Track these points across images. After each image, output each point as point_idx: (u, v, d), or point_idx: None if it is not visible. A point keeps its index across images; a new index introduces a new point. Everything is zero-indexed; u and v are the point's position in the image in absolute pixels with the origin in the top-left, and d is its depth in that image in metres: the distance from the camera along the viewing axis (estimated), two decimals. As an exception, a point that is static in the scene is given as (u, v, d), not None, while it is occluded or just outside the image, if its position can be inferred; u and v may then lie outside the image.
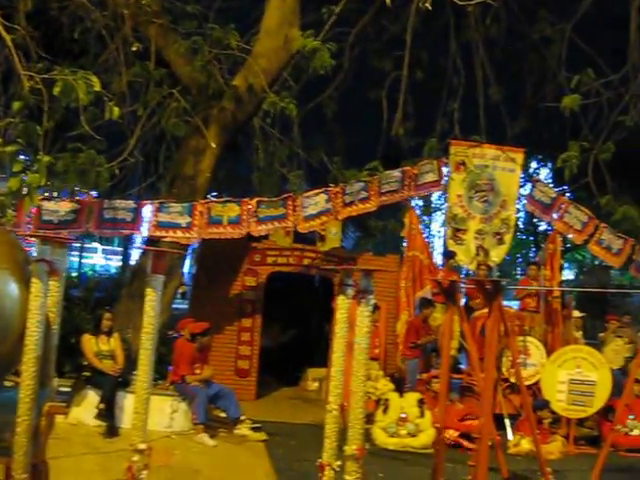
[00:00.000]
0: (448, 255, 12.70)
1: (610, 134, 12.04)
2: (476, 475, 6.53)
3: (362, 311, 6.14)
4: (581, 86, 11.60)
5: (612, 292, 21.86)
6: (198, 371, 9.93)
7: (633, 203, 12.71)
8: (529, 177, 16.69)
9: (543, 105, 13.30)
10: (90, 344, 9.61)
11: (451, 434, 9.63)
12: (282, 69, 11.91)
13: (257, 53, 11.52)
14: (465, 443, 9.58)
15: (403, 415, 10.23)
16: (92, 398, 9.41)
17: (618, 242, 11.97)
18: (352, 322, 6.23)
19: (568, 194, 22.66)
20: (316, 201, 10.44)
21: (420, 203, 28.10)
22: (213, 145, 11.08)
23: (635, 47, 11.79)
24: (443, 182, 12.36)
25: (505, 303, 15.34)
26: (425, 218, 29.15)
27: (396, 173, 11.49)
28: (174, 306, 12.85)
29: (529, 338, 11.47)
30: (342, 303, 6.23)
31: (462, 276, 13.86)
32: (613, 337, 13.57)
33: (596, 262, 25.93)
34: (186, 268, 17.06)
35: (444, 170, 12.36)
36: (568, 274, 30.06)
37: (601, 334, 13.87)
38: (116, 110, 8.84)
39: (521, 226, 27.83)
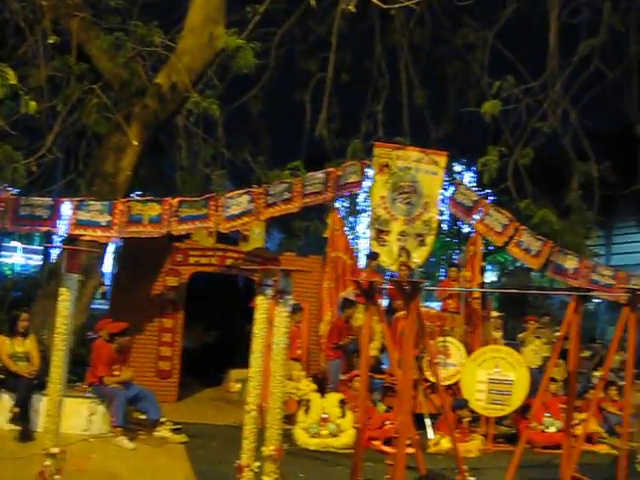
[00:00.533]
0: (371, 256, 12.79)
1: (529, 140, 12.31)
2: (394, 474, 6.58)
3: (280, 311, 6.13)
4: (502, 92, 11.83)
5: (530, 293, 22.35)
6: (117, 372, 9.73)
7: (551, 207, 13.01)
8: (453, 180, 16.92)
9: (466, 110, 13.51)
10: (4, 346, 9.36)
11: (376, 444, 9.70)
12: (206, 67, 11.80)
13: (181, 51, 11.39)
14: (388, 449, 9.63)
15: (324, 415, 10.25)
16: (6, 402, 9.15)
17: (537, 244, 12.19)
18: (272, 322, 6.22)
19: (491, 198, 23.17)
20: (238, 201, 10.35)
21: (346, 205, 28.39)
22: (135, 143, 10.91)
23: (554, 55, 12.07)
24: (365, 183, 12.44)
25: (428, 304, 15.69)
26: (351, 220, 29.40)
27: (320, 175, 11.49)
28: (94, 306, 12.62)
29: (449, 338, 11.61)
30: (261, 303, 6.21)
31: (386, 277, 14.01)
32: (532, 338, 13.86)
33: (517, 264, 26.50)
34: (107, 267, 16.75)
35: (368, 172, 12.43)
36: (490, 276, 30.63)
37: (520, 335, 14.15)
38: (33, 104, 8.64)
39: (445, 228, 28.22)
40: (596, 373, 13.72)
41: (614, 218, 29.34)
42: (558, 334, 9.16)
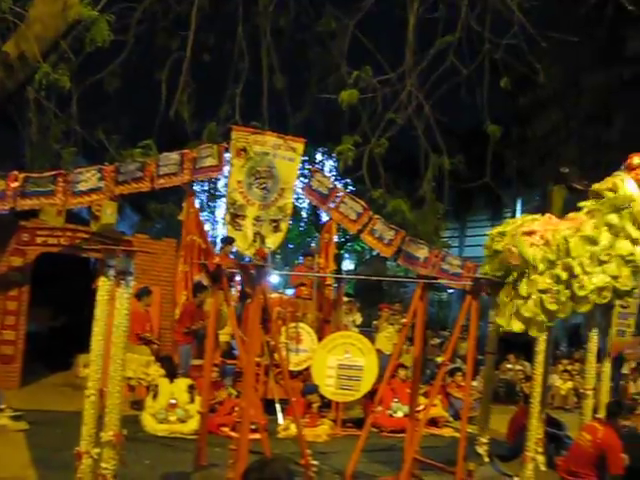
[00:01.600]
0: (226, 241, 12.68)
1: (385, 130, 12.48)
2: (237, 458, 6.52)
3: (121, 293, 5.95)
4: (360, 81, 11.93)
5: (378, 280, 22.86)
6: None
7: (406, 197, 13.28)
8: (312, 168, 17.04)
9: (324, 97, 13.54)
10: None
11: (225, 431, 9.61)
12: (59, 38, 11.23)
13: (32, 18, 10.80)
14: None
15: (173, 401, 10.10)
16: None
17: (390, 233, 12.46)
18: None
19: (351, 187, 23.50)
20: (87, 178, 10.00)
21: (207, 189, 28.13)
22: (-22, 113, 10.33)
23: (411, 48, 12.28)
24: (224, 167, 12.30)
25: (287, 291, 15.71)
26: (211, 204, 29.16)
27: (174, 155, 11.27)
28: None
29: (301, 325, 11.68)
30: (103, 285, 6.01)
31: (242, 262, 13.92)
32: (386, 325, 14.18)
33: (374, 253, 27.04)
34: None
35: (226, 156, 12.29)
36: (348, 264, 31.15)
37: (375, 322, 14.43)
38: None
39: (304, 216, 28.45)
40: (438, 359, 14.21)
41: (468, 211, 30.46)
42: (404, 321, 9.37)
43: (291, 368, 11.29)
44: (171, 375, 10.61)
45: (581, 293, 8.20)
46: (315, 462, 7.23)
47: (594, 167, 10.30)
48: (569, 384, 15.71)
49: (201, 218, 13.95)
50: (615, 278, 8.28)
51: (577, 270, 8.19)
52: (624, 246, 8.28)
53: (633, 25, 14.54)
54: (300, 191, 14.28)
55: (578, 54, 20.43)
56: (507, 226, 8.49)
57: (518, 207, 28.66)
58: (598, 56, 20.49)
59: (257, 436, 7.39)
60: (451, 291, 29.01)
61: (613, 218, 8.34)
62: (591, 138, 21.13)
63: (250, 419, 6.77)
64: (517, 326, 7.98)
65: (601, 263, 8.23)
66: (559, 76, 20.07)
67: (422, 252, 12.51)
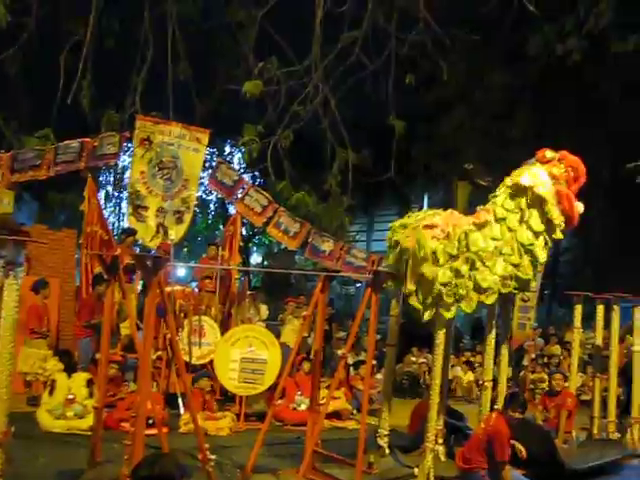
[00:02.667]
0: (127, 232, 12.40)
1: (291, 122, 12.44)
2: (132, 453, 6.38)
3: (10, 284, 5.71)
4: (266, 73, 11.85)
5: (278, 272, 22.84)
6: None
7: (312, 190, 13.29)
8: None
9: (231, 88, 13.40)
10: None
11: (125, 426, 9.39)
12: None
13: None
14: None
15: (70, 396, 9.81)
16: None
17: (295, 226, 12.45)
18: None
19: (260, 180, 23.39)
20: (-20, 165, 9.61)
21: (111, 179, 27.56)
22: None
23: (317, 41, 12.26)
24: (122, 155, 12.04)
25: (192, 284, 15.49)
26: (116, 195, 28.57)
27: (74, 144, 10.93)
28: None
29: (204, 318, 11.51)
30: (-8, 276, 5.75)
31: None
32: (291, 317, 14.16)
33: (282, 247, 27.00)
34: None
35: (129, 145, 12.03)
36: (256, 258, 31.03)
37: (281, 315, 14.38)
38: None
39: (212, 208, 28.22)
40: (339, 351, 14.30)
41: (376, 206, 30.78)
42: (304, 313, 9.35)
43: (194, 362, 11.16)
44: (70, 370, 10.32)
45: (485, 284, 8.39)
46: (213, 456, 7.10)
47: (498, 163, 10.51)
48: (471, 376, 16.04)
49: (102, 208, 13.58)
50: (516, 266, 8.53)
51: (478, 264, 8.39)
52: (526, 236, 8.54)
53: (534, 26, 14.90)
54: (205, 182, 14.04)
55: (483, 53, 20.91)
56: (409, 219, 8.60)
57: (425, 202, 29.13)
58: (502, 55, 21.00)
59: (155, 431, 7.26)
60: (359, 285, 29.28)
61: (519, 205, 8.60)
62: (495, 135, 21.64)
63: (147, 413, 6.62)
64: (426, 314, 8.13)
65: (502, 254, 8.46)
66: (464, 74, 20.48)
67: (327, 245, 12.55)
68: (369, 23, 12.71)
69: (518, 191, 8.62)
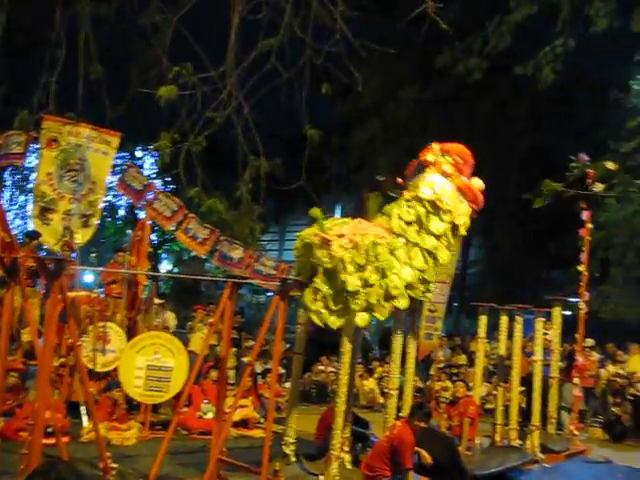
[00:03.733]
0: (31, 235, 12.05)
1: (204, 128, 12.31)
2: (28, 462, 6.20)
3: None
4: (180, 78, 11.69)
5: (185, 278, 22.66)
6: None
7: (224, 198, 13.19)
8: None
9: (144, 92, 13.18)
10: None
11: (24, 435, 9.08)
12: None
13: None
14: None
15: (-33, 405, 9.44)
16: None
17: (204, 232, 12.36)
18: None
19: (173, 186, 23.11)
20: None
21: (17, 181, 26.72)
22: None
23: (233, 48, 12.18)
24: (27, 156, 11.69)
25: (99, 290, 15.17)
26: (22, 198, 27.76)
27: (-22, 142, 10.58)
28: None
29: (110, 324, 11.28)
30: None
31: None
32: (200, 325, 14.05)
33: (192, 254, 26.72)
34: None
35: (36, 146, 11.70)
36: (166, 265, 30.62)
37: (190, 323, 14.24)
38: None
39: (122, 213, 27.77)
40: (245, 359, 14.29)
41: (288, 215, 30.88)
42: (211, 321, 9.30)
43: (98, 369, 10.93)
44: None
45: (395, 292, 8.53)
46: (115, 465, 6.96)
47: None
48: (372, 383, 16.25)
49: (6, 210, 13.14)
50: (422, 271, 8.73)
51: (387, 272, 8.53)
52: (428, 241, 8.76)
53: (445, 42, 15.24)
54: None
55: (397, 67, 21.26)
56: (317, 229, 8.66)
57: (337, 212, 29.34)
58: (415, 70, 21.41)
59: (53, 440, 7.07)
60: (270, 294, 29.22)
61: (417, 215, 8.82)
62: (406, 148, 21.99)
63: (46, 422, 6.43)
64: (336, 322, 8.18)
65: (408, 262, 8.64)
66: (379, 87, 20.77)
67: (237, 252, 12.49)
68: (286, 32, 12.71)
69: (417, 202, 8.87)
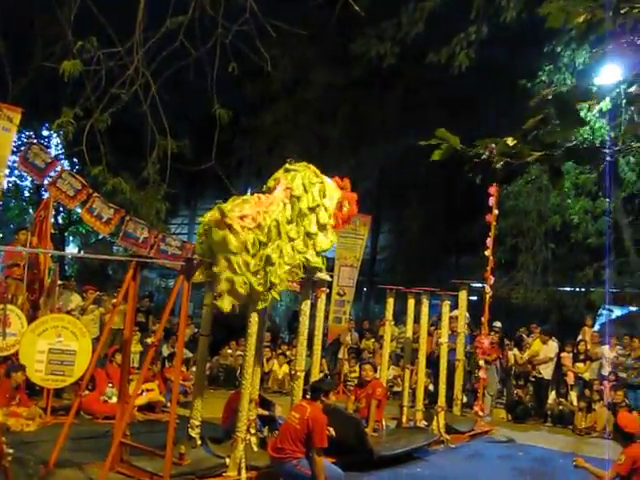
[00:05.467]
0: None
1: (110, 105, 11.99)
2: None
3: None
4: (85, 53, 11.33)
5: (93, 258, 22.19)
6: None
7: (130, 178, 12.93)
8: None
9: (48, 66, 12.74)
10: None
11: None
12: None
13: None
14: None
15: None
16: None
17: (109, 212, 12.14)
18: None
19: (78, 167, 22.48)
20: None
21: None
22: None
23: (141, 23, 11.88)
24: None
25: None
26: None
27: None
28: None
29: (10, 306, 10.90)
30: None
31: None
32: (93, 307, 13.76)
33: (100, 237, 26.11)
34: None
35: None
36: (72, 248, 29.84)
37: (81, 303, 13.87)
38: None
39: (27, 194, 26.98)
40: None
41: (199, 198, 30.53)
42: (114, 301, 9.11)
43: (-3, 353, 10.60)
44: None
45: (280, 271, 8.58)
46: (11, 450, 6.72)
47: (317, 161, 10.66)
48: (286, 368, 16.25)
49: None
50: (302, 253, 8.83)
51: (287, 249, 8.57)
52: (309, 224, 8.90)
53: (358, 26, 15.25)
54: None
55: (308, 50, 21.21)
56: (217, 212, 8.56)
57: (248, 195, 29.08)
58: (327, 54, 21.40)
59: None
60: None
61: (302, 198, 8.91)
62: (316, 132, 22.05)
63: None
64: (227, 304, 8.10)
65: (291, 240, 8.70)
66: (290, 69, 20.69)
67: (142, 232, 12.34)
68: (196, 8, 12.49)
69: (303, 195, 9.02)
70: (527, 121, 5.95)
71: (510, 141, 5.44)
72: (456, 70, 12.84)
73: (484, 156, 5.54)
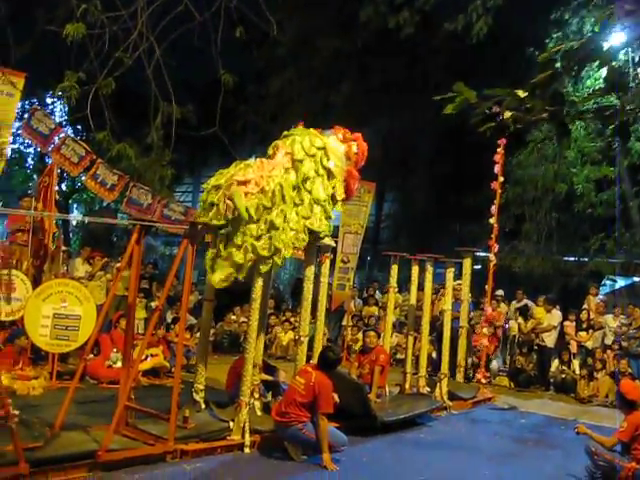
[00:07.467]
0: None
1: (114, 70, 11.91)
2: None
3: None
4: (89, 16, 11.22)
5: (95, 222, 22.19)
6: None
7: (132, 142, 12.87)
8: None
9: (51, 30, 12.62)
10: None
11: None
12: None
13: None
14: None
15: None
16: None
17: (113, 178, 12.12)
18: None
19: (82, 134, 22.43)
20: None
21: None
22: None
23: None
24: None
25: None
26: None
27: None
28: None
29: (15, 272, 10.91)
30: None
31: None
32: (100, 273, 13.77)
33: (104, 204, 26.12)
34: None
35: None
36: (77, 215, 29.90)
37: (88, 270, 13.89)
38: None
39: (31, 162, 26.95)
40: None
41: (203, 166, 30.46)
42: (118, 265, 9.12)
43: (3, 318, 10.63)
44: None
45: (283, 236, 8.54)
46: (17, 412, 6.75)
47: (321, 127, 10.60)
48: (290, 334, 16.31)
49: None
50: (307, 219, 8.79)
51: (291, 214, 8.53)
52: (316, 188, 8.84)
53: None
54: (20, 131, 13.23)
55: (315, 16, 21.01)
56: (221, 178, 8.52)
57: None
58: (334, 20, 21.19)
59: None
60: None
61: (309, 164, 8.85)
62: (322, 98, 21.90)
63: None
64: (217, 277, 8.09)
65: (296, 205, 8.65)
66: (296, 35, 20.51)
67: (145, 198, 12.33)
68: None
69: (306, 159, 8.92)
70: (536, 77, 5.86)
71: (521, 93, 5.37)
72: (474, 38, 12.71)
73: (494, 109, 5.48)
